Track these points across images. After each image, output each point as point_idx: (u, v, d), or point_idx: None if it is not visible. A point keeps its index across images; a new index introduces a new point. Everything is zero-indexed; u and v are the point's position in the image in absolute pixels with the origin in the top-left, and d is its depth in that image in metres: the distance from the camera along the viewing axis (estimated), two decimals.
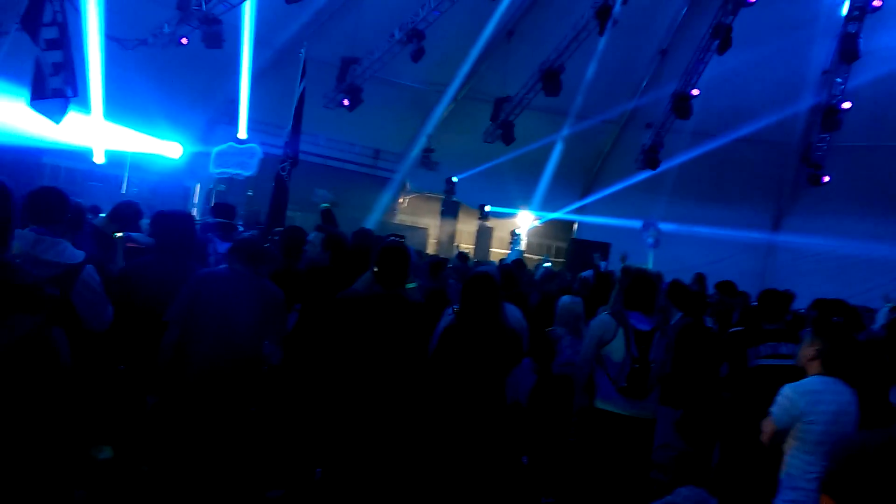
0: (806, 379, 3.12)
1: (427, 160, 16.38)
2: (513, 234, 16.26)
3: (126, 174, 11.67)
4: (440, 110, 16.16)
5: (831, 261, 15.45)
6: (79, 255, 3.34)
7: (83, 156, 10.94)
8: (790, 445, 3.05)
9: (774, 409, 3.07)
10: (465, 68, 15.01)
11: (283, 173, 7.16)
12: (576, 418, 4.10)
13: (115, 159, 11.42)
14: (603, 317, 4.11)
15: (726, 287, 6.52)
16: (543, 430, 4.70)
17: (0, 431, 1.37)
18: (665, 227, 13.71)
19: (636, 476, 3.97)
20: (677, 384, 4.64)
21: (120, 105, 10.84)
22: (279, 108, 10.43)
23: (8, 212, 1.59)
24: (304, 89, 7.31)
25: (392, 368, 3.50)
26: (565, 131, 15.61)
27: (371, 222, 13.29)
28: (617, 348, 3.93)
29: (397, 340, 3.51)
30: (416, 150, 16.79)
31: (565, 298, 4.89)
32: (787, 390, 3.06)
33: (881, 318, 6.34)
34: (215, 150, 10.31)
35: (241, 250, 3.49)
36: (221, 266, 3.64)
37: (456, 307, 4.19)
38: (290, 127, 7.37)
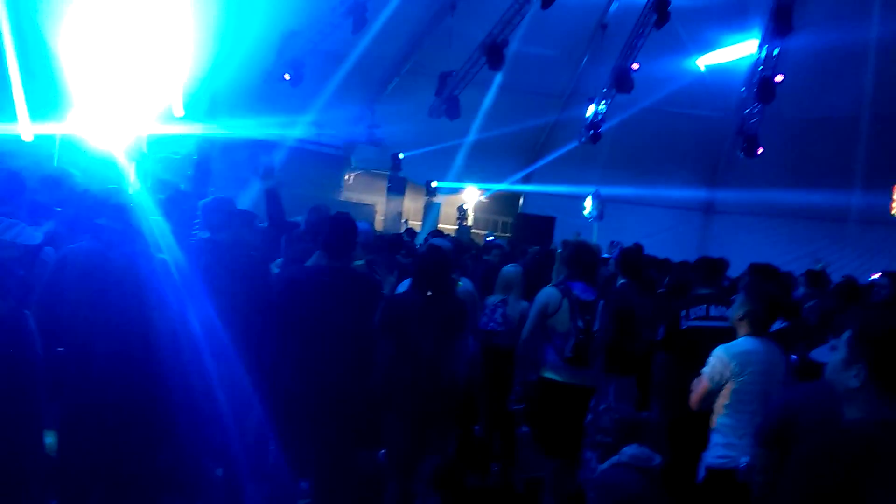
0: (738, 340, 3.27)
1: (372, 136, 16.22)
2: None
3: (56, 153, 11.15)
4: (384, 84, 16.02)
5: (766, 229, 16.11)
6: (37, 236, 3.22)
7: (9, 135, 10.40)
8: (722, 405, 3.20)
9: (707, 369, 3.21)
10: (408, 42, 14.87)
11: (206, 145, 7.04)
12: (518, 388, 4.19)
13: (43, 140, 10.89)
14: (547, 289, 4.22)
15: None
16: (485, 397, 4.79)
17: None
18: (609, 200, 13.99)
19: (577, 440, 4.10)
20: (622, 351, 4.79)
21: (45, 82, 10.31)
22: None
23: None
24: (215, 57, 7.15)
25: (339, 340, 3.50)
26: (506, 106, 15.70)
27: (317, 200, 13.08)
28: (562, 320, 4.05)
29: (343, 311, 3.51)
30: (360, 127, 16.59)
31: (507, 267, 4.97)
32: (720, 352, 3.20)
33: (801, 289, 6.58)
34: (150, 129, 9.85)
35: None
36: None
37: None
38: (207, 96, 7.21)
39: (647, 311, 5.20)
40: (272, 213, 4.02)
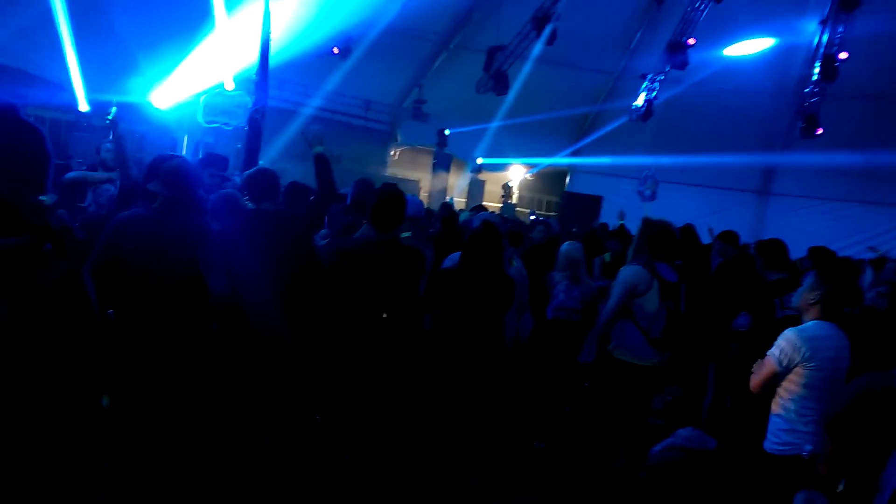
0: (808, 324, 3.15)
1: (419, 112, 16.12)
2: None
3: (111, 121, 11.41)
4: (432, 60, 15.89)
5: (824, 213, 15.54)
6: (50, 197, 3.29)
7: (67, 106, 10.69)
8: (787, 389, 3.09)
9: (776, 351, 3.09)
10: (457, 16, 14.67)
11: (257, 116, 7.05)
12: (589, 367, 4.13)
13: (101, 109, 11.15)
14: (635, 268, 4.06)
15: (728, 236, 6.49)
16: (540, 374, 4.75)
17: (40, 375, 1.32)
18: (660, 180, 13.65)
19: (638, 421, 4.03)
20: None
21: (103, 52, 10.55)
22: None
23: (45, 154, 1.50)
24: (269, 29, 7.12)
25: (386, 310, 3.50)
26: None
27: (362, 175, 13.08)
28: (651, 299, 3.92)
29: (391, 283, 3.51)
30: (407, 102, 16.52)
31: (566, 244, 4.91)
32: (791, 334, 3.09)
33: (868, 276, 6.30)
34: (203, 99, 9.98)
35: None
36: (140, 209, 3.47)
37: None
38: (258, 69, 7.21)
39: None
40: (321, 180, 3.99)
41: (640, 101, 15.12)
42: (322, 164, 3.94)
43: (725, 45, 14.52)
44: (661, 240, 4.04)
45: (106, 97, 11.08)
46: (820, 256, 5.27)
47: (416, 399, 3.90)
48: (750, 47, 14.75)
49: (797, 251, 6.54)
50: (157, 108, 11.79)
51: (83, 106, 10.30)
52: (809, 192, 16.09)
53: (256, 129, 7.05)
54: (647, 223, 4.35)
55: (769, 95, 15.67)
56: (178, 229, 3.28)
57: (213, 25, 10.79)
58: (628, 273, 4.05)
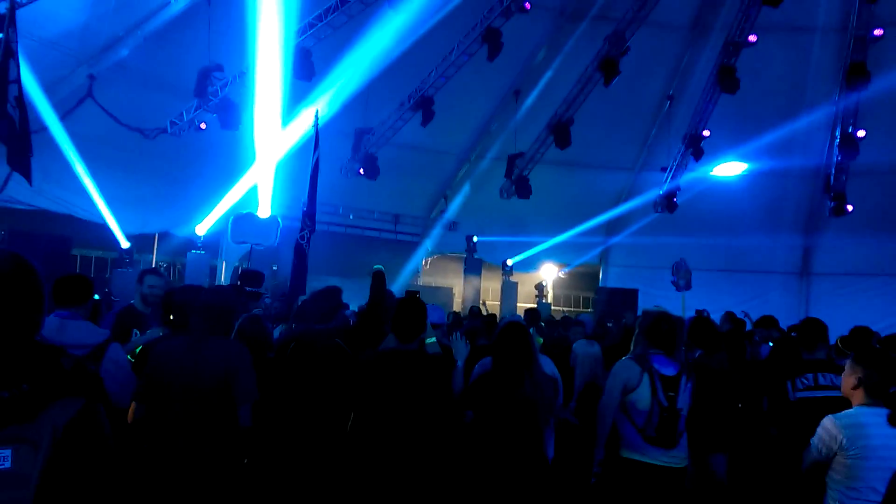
0: (849, 410, 2.98)
1: (446, 221, 16.53)
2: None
3: (153, 258, 11.95)
4: (456, 172, 16.44)
5: (867, 290, 15.06)
6: (103, 333, 3.41)
7: (110, 243, 11.26)
8: (833, 479, 2.90)
9: (815, 440, 2.94)
10: (476, 130, 15.31)
11: (301, 242, 7.24)
12: (598, 468, 3.88)
13: (142, 243, 11.72)
14: (625, 361, 3.90)
15: (767, 321, 6.32)
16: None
17: None
18: (694, 269, 13.50)
19: None
20: (716, 426, 4.45)
21: (142, 193, 11.22)
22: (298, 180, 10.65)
23: (40, 290, 1.59)
24: (318, 157, 7.46)
25: (412, 424, 3.42)
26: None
27: (396, 286, 13.27)
28: (643, 396, 3.71)
29: (415, 394, 3.45)
30: (434, 213, 16.98)
31: (581, 342, 4.76)
32: (828, 422, 2.93)
33: None
34: (232, 218, 10.43)
35: (203, 311, 3.41)
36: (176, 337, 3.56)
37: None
38: (306, 196, 7.48)
39: (729, 383, 4.81)
40: (372, 292, 4.35)
41: (663, 194, 15.32)
42: (377, 280, 4.55)
43: (741, 141, 14.68)
44: (655, 329, 3.87)
45: (147, 231, 11.69)
46: (857, 338, 5.05)
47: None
48: (733, 169, 15.47)
49: (845, 331, 6.29)
50: (197, 236, 12.33)
51: (124, 243, 10.83)
52: (852, 269, 15.70)
53: (302, 254, 7.24)
54: (645, 314, 4.23)
55: (799, 174, 15.60)
56: (214, 357, 3.30)
57: (245, 161, 11.44)
58: (617, 368, 3.86)
